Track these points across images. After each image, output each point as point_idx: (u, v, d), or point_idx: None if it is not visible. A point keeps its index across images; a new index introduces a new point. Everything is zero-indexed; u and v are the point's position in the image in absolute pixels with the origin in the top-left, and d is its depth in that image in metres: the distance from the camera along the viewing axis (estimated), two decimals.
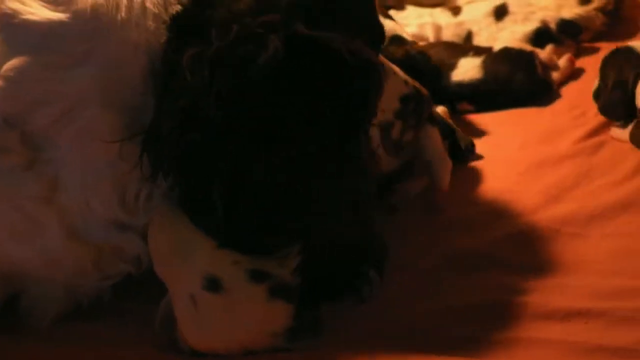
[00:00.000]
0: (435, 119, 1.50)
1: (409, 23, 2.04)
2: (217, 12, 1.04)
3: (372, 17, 1.20)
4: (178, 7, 1.07)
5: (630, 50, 1.62)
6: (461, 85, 1.78)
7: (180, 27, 1.06)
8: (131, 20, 1.06)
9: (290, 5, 1.04)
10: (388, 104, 1.34)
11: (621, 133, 1.54)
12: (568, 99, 1.78)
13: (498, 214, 1.39)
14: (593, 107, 1.64)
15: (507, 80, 1.78)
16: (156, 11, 1.07)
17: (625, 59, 1.61)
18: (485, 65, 1.80)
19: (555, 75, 1.83)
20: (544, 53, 1.86)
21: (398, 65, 1.52)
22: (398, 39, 1.73)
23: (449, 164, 1.45)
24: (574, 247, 1.28)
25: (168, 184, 1.07)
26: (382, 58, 1.33)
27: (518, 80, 1.77)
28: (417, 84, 1.41)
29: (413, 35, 1.99)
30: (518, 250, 1.28)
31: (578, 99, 1.74)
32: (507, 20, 1.99)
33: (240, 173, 1.02)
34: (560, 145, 1.58)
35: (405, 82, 1.38)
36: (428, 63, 1.69)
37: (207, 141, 1.01)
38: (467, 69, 1.78)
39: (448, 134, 1.52)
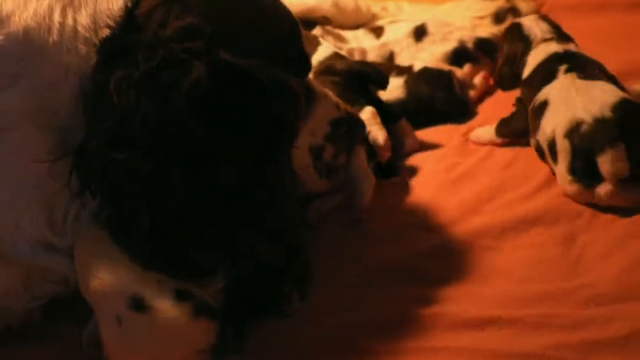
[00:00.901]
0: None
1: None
2: (144, 36, 1.07)
3: (297, 46, 1.23)
4: (107, 32, 1.10)
5: (518, 26, 1.77)
6: (389, 104, 1.82)
7: (108, 50, 1.08)
8: (62, 44, 1.08)
9: (214, 32, 1.07)
10: (318, 128, 1.38)
11: (481, 133, 1.63)
12: (484, 114, 1.85)
13: (418, 227, 1.44)
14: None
15: (428, 100, 1.85)
16: (87, 35, 1.10)
17: (516, 34, 1.76)
18: (407, 85, 1.87)
19: (472, 93, 1.90)
20: (461, 72, 1.93)
21: (343, 75, 1.61)
22: (340, 56, 1.77)
23: (372, 180, 1.49)
24: (488, 258, 1.33)
25: (96, 203, 1.09)
26: (312, 83, 1.38)
27: (438, 99, 1.84)
28: (349, 108, 1.44)
29: None
30: (436, 262, 1.33)
31: (493, 115, 1.79)
32: (427, 40, 2.05)
33: (164, 194, 1.05)
34: (476, 160, 1.64)
35: (337, 106, 1.41)
36: (373, 67, 1.73)
37: (133, 162, 1.03)
38: (391, 89, 1.82)
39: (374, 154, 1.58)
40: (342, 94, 1.58)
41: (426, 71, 1.90)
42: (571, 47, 1.69)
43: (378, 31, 2.13)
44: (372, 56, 2.05)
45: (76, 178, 1.08)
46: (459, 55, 2.00)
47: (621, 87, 1.55)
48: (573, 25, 2.00)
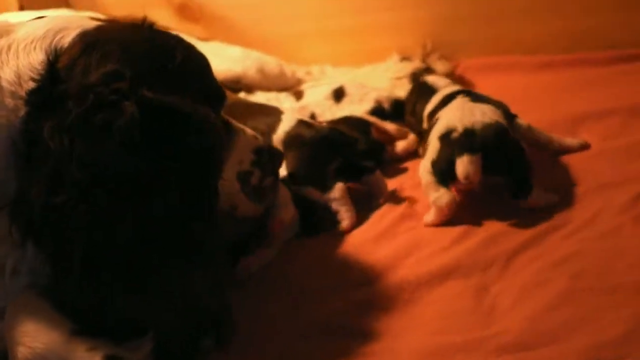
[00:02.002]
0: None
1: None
2: (71, 85, 1.12)
3: (210, 82, 1.30)
4: (32, 84, 1.14)
5: (425, 82, 1.98)
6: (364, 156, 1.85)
7: (37, 101, 1.13)
8: None
9: (135, 75, 1.12)
10: (245, 157, 1.48)
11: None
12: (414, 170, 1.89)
13: (341, 284, 1.47)
14: None
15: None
16: (12, 89, 1.14)
17: (426, 90, 1.95)
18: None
19: (397, 148, 1.96)
20: (382, 123, 2.00)
21: (312, 144, 1.69)
22: (305, 123, 1.79)
23: (292, 209, 1.58)
24: (407, 312, 1.37)
25: (34, 258, 1.12)
26: (228, 118, 1.46)
27: (355, 140, 1.85)
28: (264, 141, 1.55)
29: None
30: (357, 317, 1.37)
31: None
32: (345, 101, 2.13)
33: (101, 234, 1.08)
34: (398, 215, 1.68)
35: (256, 137, 1.52)
36: (343, 135, 1.76)
37: (71, 204, 1.07)
38: None
39: (302, 204, 1.63)
40: (311, 168, 1.67)
41: (346, 117, 1.99)
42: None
43: (298, 94, 2.20)
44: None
45: (15, 230, 1.10)
46: (376, 115, 2.06)
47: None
48: (486, 85, 2.11)
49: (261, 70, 2.25)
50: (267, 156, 1.51)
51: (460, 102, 1.74)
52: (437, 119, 1.72)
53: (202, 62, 1.30)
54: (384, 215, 1.71)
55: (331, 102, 2.13)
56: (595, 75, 2.17)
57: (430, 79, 2.01)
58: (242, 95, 2.16)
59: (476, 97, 1.77)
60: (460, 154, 1.56)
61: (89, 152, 1.07)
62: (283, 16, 2.55)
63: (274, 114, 1.82)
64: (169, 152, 1.10)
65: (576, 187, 1.63)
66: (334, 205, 1.66)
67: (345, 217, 1.65)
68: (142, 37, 1.21)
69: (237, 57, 2.27)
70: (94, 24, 1.23)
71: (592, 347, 1.17)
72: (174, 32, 2.35)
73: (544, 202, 1.58)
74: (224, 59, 2.24)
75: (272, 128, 1.76)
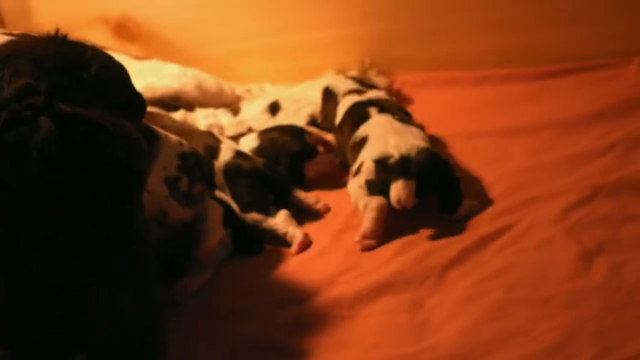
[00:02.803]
0: (222, 201, 1.64)
1: (199, 124, 2.13)
2: None
3: (128, 91, 1.28)
4: None
5: (327, 88, 2.07)
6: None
7: None
8: None
9: (49, 88, 1.09)
10: (170, 162, 1.48)
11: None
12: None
13: (277, 302, 1.46)
14: None
15: (281, 142, 1.89)
16: None
17: (327, 95, 2.07)
18: (260, 136, 1.94)
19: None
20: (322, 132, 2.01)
21: (251, 176, 1.70)
22: (243, 155, 1.79)
23: (219, 233, 1.57)
24: (342, 328, 1.37)
25: None
26: (150, 124, 1.45)
27: (288, 142, 1.89)
28: (191, 147, 1.54)
29: None
30: (293, 335, 1.36)
31: None
32: (280, 114, 2.13)
33: (25, 258, 1.05)
34: (334, 233, 1.68)
35: (180, 143, 1.52)
36: (276, 172, 1.77)
37: None
38: (246, 143, 1.92)
39: (233, 222, 1.62)
40: (253, 195, 1.69)
41: (278, 125, 2.00)
42: (371, 94, 1.98)
43: (235, 110, 2.20)
44: (230, 133, 2.10)
45: None
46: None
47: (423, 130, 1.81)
48: (423, 100, 2.12)
49: (199, 87, 2.24)
50: (194, 161, 1.52)
51: (387, 122, 1.78)
52: (365, 138, 1.74)
53: (119, 72, 1.27)
54: (321, 231, 1.70)
55: (267, 115, 2.14)
56: (526, 90, 2.20)
57: (333, 83, 2.08)
58: (181, 112, 2.14)
59: (392, 111, 1.83)
60: (396, 178, 1.60)
61: (6, 172, 1.03)
62: (222, 35, 2.54)
63: (212, 140, 1.82)
64: (88, 167, 1.07)
65: (507, 200, 1.65)
66: (281, 228, 1.67)
67: (296, 234, 1.65)
68: (55, 50, 1.17)
69: (175, 74, 2.25)
70: (5, 39, 1.19)
71: (525, 358, 1.17)
72: (109, 50, 2.40)
73: (469, 210, 1.62)
74: (162, 76, 2.23)
75: (212, 154, 1.76)
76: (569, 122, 1.93)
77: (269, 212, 1.68)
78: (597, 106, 1.98)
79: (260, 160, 1.79)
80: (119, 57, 2.25)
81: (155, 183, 1.42)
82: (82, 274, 1.08)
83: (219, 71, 2.44)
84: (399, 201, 1.58)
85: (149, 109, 2.07)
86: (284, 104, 2.15)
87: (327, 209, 1.77)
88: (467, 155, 1.89)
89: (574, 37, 2.30)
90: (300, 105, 2.14)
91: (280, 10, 2.50)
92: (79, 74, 1.16)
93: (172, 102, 2.21)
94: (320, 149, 1.91)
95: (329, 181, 1.89)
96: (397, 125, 1.76)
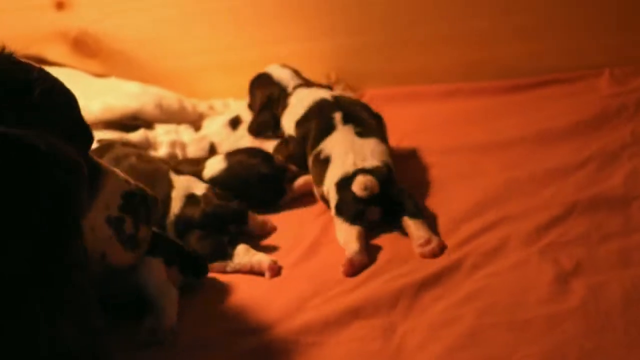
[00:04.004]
0: (157, 249, 1.50)
1: (160, 141, 2.07)
2: None
3: (76, 119, 1.23)
4: None
5: (266, 74, 2.06)
6: (213, 180, 1.82)
7: None
8: None
9: None
10: (112, 201, 1.37)
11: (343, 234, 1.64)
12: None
13: (240, 330, 1.41)
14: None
15: (249, 164, 1.85)
16: None
17: (267, 81, 2.05)
18: (227, 157, 1.88)
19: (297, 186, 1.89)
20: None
21: (202, 225, 1.65)
22: (192, 199, 1.73)
23: (174, 295, 1.46)
24: (311, 356, 1.31)
25: None
26: (97, 159, 1.36)
27: (257, 164, 1.84)
28: (140, 186, 1.43)
29: (167, 155, 2.03)
30: None
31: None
32: (242, 128, 2.09)
33: None
34: (299, 257, 1.63)
35: (126, 181, 1.41)
36: (227, 209, 1.71)
37: None
38: (213, 165, 1.86)
39: (175, 256, 1.53)
40: (208, 246, 1.63)
41: (246, 147, 1.96)
42: (329, 92, 1.99)
43: (197, 125, 2.17)
44: (193, 149, 2.07)
45: None
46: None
47: (384, 136, 1.84)
48: (392, 113, 2.09)
49: (159, 106, 2.18)
50: (139, 201, 1.41)
51: (348, 139, 1.78)
52: (326, 158, 1.76)
53: (66, 98, 1.22)
54: (285, 254, 1.65)
55: (228, 130, 2.10)
56: (497, 104, 2.17)
57: (273, 71, 2.08)
58: (141, 131, 2.08)
59: (355, 118, 1.84)
60: (353, 179, 1.63)
61: None
62: (183, 50, 2.49)
63: (166, 186, 1.74)
64: (22, 191, 1.02)
65: (479, 218, 1.61)
66: (244, 265, 1.61)
67: (262, 259, 1.60)
68: None
69: (134, 93, 2.19)
70: None
71: None
72: (68, 68, 2.34)
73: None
74: (121, 95, 2.17)
75: (166, 205, 1.70)
76: (541, 137, 1.91)
77: (227, 256, 1.63)
78: (569, 120, 1.96)
79: (211, 198, 1.72)
80: (77, 74, 2.28)
81: (96, 222, 1.33)
82: (18, 301, 1.03)
83: (180, 87, 2.40)
84: (365, 188, 1.60)
85: (108, 133, 2.04)
86: (245, 117, 2.11)
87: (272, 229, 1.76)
88: (439, 170, 1.86)
89: (543, 50, 2.29)
90: None
91: (242, 25, 2.46)
92: (20, 96, 1.11)
93: (132, 121, 2.15)
94: (291, 168, 1.88)
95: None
96: (357, 141, 1.76)
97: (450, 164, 1.87)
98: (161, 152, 2.06)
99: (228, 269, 1.62)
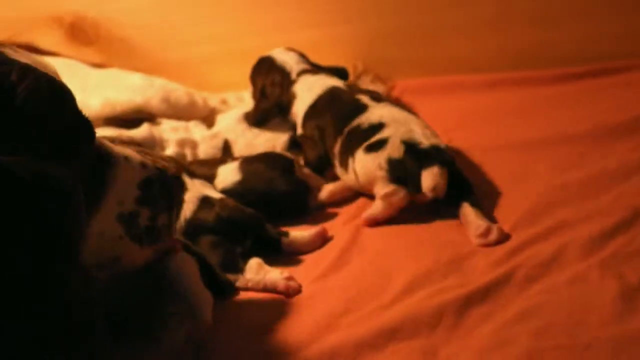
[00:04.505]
0: (193, 250, 1.52)
1: (167, 139, 2.07)
2: None
3: (71, 115, 1.16)
4: None
5: (270, 58, 2.10)
6: (226, 192, 1.81)
7: None
8: None
9: None
10: (127, 194, 1.30)
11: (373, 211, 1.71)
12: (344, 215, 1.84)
13: (264, 353, 1.39)
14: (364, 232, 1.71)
15: (267, 177, 1.84)
16: None
17: (270, 66, 2.09)
18: (242, 167, 1.87)
19: (322, 194, 1.89)
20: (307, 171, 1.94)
21: (217, 231, 1.64)
22: (207, 201, 1.73)
23: (209, 296, 1.45)
24: None
25: None
26: (107, 146, 1.29)
27: (276, 178, 1.84)
28: (160, 163, 1.37)
29: (175, 154, 2.02)
30: None
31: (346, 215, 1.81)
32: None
33: None
34: (327, 268, 1.62)
35: (143, 165, 1.33)
36: (244, 214, 1.71)
37: None
38: (226, 175, 1.86)
39: (205, 269, 1.53)
40: (219, 254, 1.63)
41: (264, 154, 1.95)
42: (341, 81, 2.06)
43: (209, 121, 2.16)
44: (204, 147, 2.07)
45: None
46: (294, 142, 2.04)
47: None
48: (428, 107, 2.09)
49: (167, 100, 2.18)
50: (159, 187, 1.34)
51: (402, 112, 1.85)
52: (378, 125, 1.80)
53: (56, 95, 1.15)
54: (315, 266, 1.64)
55: (243, 125, 2.10)
56: (546, 96, 2.17)
57: (277, 55, 2.12)
58: (145, 127, 2.08)
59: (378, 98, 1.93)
60: (430, 164, 1.68)
61: None
62: (191, 37, 2.51)
63: None
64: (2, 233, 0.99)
65: (530, 225, 1.60)
66: (255, 283, 1.61)
67: (276, 283, 1.59)
68: None
69: (138, 86, 2.19)
70: None
71: None
72: (63, 57, 2.33)
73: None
74: (123, 89, 2.17)
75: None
76: (597, 133, 1.90)
77: (238, 270, 1.62)
78: (628, 113, 1.95)
79: (228, 201, 1.72)
80: (73, 64, 2.28)
81: (105, 223, 1.26)
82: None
83: (189, 78, 2.41)
84: (434, 188, 1.65)
85: (107, 130, 2.03)
86: None
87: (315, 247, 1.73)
88: (483, 172, 1.85)
89: (597, 34, 2.28)
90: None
91: (258, 8, 2.48)
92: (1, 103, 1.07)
93: (134, 115, 2.15)
94: (313, 182, 1.89)
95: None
96: (415, 118, 1.83)
97: (496, 164, 1.86)
98: (168, 151, 2.05)
99: (238, 284, 1.61)
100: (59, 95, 1.16)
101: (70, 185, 1.08)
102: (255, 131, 2.08)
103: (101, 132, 1.99)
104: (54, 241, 1.04)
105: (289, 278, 1.59)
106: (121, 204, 1.29)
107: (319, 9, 2.41)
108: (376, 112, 1.84)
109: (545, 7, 2.28)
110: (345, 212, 1.84)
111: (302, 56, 2.12)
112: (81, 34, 2.53)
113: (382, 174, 1.71)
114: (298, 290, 1.58)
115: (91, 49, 2.53)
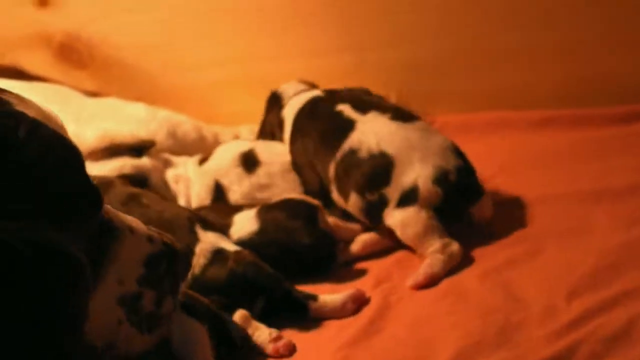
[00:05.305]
0: (202, 312, 1.53)
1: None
2: None
3: (79, 182, 1.19)
4: None
5: (275, 91, 2.18)
6: (242, 244, 1.82)
7: None
8: None
9: None
10: (130, 272, 1.31)
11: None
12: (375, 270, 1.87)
13: None
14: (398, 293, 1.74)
15: (287, 228, 1.86)
16: None
17: (272, 101, 2.19)
18: (260, 215, 1.89)
19: (353, 247, 1.93)
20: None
21: (227, 290, 1.66)
22: (218, 254, 1.75)
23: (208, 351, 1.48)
24: None
25: None
26: (111, 215, 1.31)
27: (298, 229, 1.86)
28: (166, 237, 1.38)
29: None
30: None
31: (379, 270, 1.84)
32: (262, 171, 2.09)
33: None
34: (356, 338, 1.63)
35: (150, 239, 1.35)
36: (261, 272, 1.73)
37: None
38: (243, 224, 1.87)
39: (217, 329, 1.55)
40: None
41: (285, 200, 1.95)
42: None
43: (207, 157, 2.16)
44: (197, 189, 2.08)
45: None
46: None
47: None
48: (471, 147, 2.09)
49: (173, 135, 2.21)
50: (166, 266, 1.36)
51: (386, 125, 1.91)
52: (376, 153, 1.87)
53: (66, 157, 1.18)
54: (341, 331, 1.66)
55: (239, 170, 2.09)
56: (607, 137, 2.18)
57: (283, 86, 2.20)
58: (145, 161, 2.11)
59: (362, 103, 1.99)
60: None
61: None
62: (199, 60, 2.53)
63: (182, 234, 1.75)
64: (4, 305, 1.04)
65: (592, 291, 1.59)
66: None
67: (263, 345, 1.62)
68: None
69: (141, 118, 2.22)
70: None
71: None
72: (52, 83, 2.35)
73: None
74: (123, 121, 2.20)
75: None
76: None
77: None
78: None
79: (246, 256, 1.74)
80: (65, 92, 2.30)
81: (103, 305, 1.25)
82: None
83: (195, 109, 2.43)
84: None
85: (105, 165, 2.06)
86: (263, 156, 2.10)
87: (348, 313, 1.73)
88: (534, 225, 1.87)
89: None
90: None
91: (275, 30, 2.49)
92: (3, 163, 1.09)
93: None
94: (343, 234, 1.92)
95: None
96: (427, 133, 1.92)
97: (550, 216, 1.88)
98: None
99: None
100: (70, 156, 1.18)
101: (76, 257, 1.12)
102: (255, 180, 2.08)
103: (97, 168, 2.01)
104: (57, 320, 1.08)
105: (277, 338, 1.60)
106: (122, 283, 1.30)
107: (346, 32, 2.43)
108: (368, 132, 1.90)
109: (603, 36, 2.30)
110: (376, 266, 1.86)
111: (311, 85, 2.17)
112: (73, 55, 2.55)
113: (430, 228, 1.78)
114: (290, 348, 1.60)
115: (84, 73, 2.55)
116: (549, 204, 1.93)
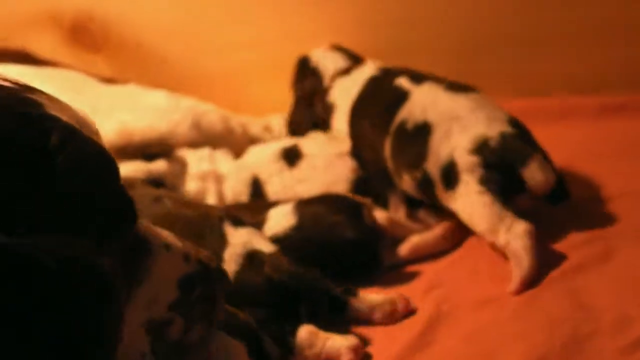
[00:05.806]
0: (240, 329, 1.52)
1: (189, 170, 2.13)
2: None
3: (113, 193, 1.18)
4: None
5: (305, 59, 2.25)
6: (277, 240, 1.82)
7: None
8: None
9: None
10: (160, 294, 1.27)
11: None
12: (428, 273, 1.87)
13: None
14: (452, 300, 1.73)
15: (328, 222, 1.87)
16: None
17: (303, 70, 2.22)
18: (298, 209, 1.90)
19: (403, 249, 1.92)
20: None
21: (259, 296, 1.67)
22: (255, 257, 1.75)
23: None
24: None
25: None
26: (145, 230, 1.28)
27: (341, 223, 1.86)
28: (202, 253, 1.35)
29: (195, 191, 2.06)
30: None
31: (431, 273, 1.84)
32: (304, 166, 2.12)
33: None
34: (408, 350, 1.63)
35: (186, 258, 1.31)
36: (301, 279, 1.72)
37: None
38: (278, 219, 1.88)
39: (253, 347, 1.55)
40: (270, 327, 1.63)
41: (325, 194, 1.98)
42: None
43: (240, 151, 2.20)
44: (232, 183, 2.11)
45: None
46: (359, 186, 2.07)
47: None
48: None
49: (197, 126, 2.21)
50: (200, 291, 1.32)
51: (444, 98, 1.93)
52: (420, 124, 1.89)
53: (106, 168, 1.17)
54: (390, 342, 1.66)
55: (280, 165, 2.12)
56: None
57: (314, 55, 2.26)
58: (159, 164, 2.12)
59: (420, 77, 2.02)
60: (525, 157, 1.78)
61: None
62: (225, 43, 2.54)
63: (212, 237, 1.76)
64: (25, 322, 1.03)
65: None
66: (315, 356, 1.62)
67: (340, 353, 1.60)
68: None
69: (162, 108, 2.22)
70: None
71: None
72: (63, 69, 2.37)
73: None
74: (142, 111, 2.20)
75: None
76: None
77: (288, 350, 1.62)
78: None
79: (283, 262, 1.73)
80: (79, 79, 2.32)
81: (130, 330, 1.22)
82: None
83: (221, 97, 2.45)
84: (545, 180, 1.78)
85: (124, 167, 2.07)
86: (308, 149, 2.13)
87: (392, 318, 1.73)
88: (607, 226, 1.85)
89: None
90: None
91: (308, 8, 2.50)
92: (34, 173, 1.08)
93: (156, 145, 2.18)
94: (395, 232, 1.92)
95: None
96: (461, 98, 1.92)
97: (626, 216, 1.87)
98: (188, 186, 2.09)
99: None
100: (105, 167, 1.17)
101: (109, 275, 1.12)
102: (297, 173, 2.11)
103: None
104: (87, 343, 1.09)
105: (356, 348, 1.60)
106: (149, 307, 1.26)
107: (384, 8, 2.44)
108: (417, 101, 1.93)
109: None
110: (429, 269, 1.86)
111: (350, 56, 2.20)
112: (85, 37, 2.57)
113: (495, 209, 1.76)
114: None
115: (98, 57, 2.57)
116: (620, 203, 1.91)
